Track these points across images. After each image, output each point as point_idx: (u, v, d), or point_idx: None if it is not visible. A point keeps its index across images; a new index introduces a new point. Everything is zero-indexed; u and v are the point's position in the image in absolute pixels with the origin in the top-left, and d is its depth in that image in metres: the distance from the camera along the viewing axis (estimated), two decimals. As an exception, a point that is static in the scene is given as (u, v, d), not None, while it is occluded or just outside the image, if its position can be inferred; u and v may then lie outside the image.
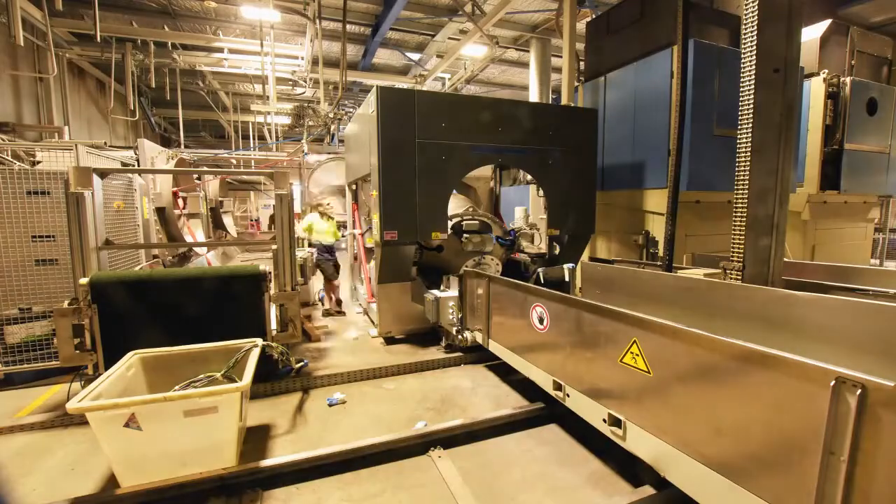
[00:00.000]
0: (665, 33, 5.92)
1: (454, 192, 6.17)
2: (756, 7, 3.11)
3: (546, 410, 3.62)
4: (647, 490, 2.62)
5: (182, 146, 14.40)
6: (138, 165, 6.86)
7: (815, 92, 7.02)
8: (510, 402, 3.96)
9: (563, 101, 7.44)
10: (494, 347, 4.29)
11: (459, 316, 4.86)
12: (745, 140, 3.24)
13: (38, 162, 6.32)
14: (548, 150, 5.76)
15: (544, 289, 3.45)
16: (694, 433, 2.17)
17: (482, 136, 5.40)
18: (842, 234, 7.84)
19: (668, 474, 2.32)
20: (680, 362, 2.24)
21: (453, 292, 4.93)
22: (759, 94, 3.16)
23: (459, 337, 4.77)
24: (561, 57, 7.67)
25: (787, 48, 3.12)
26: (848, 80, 6.97)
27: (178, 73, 12.50)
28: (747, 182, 3.24)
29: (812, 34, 7.25)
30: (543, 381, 3.43)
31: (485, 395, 4.14)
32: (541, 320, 3.42)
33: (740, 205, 3.30)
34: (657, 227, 6.07)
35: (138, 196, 5.89)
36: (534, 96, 11.18)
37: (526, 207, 7.29)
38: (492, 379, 4.53)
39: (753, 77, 3.18)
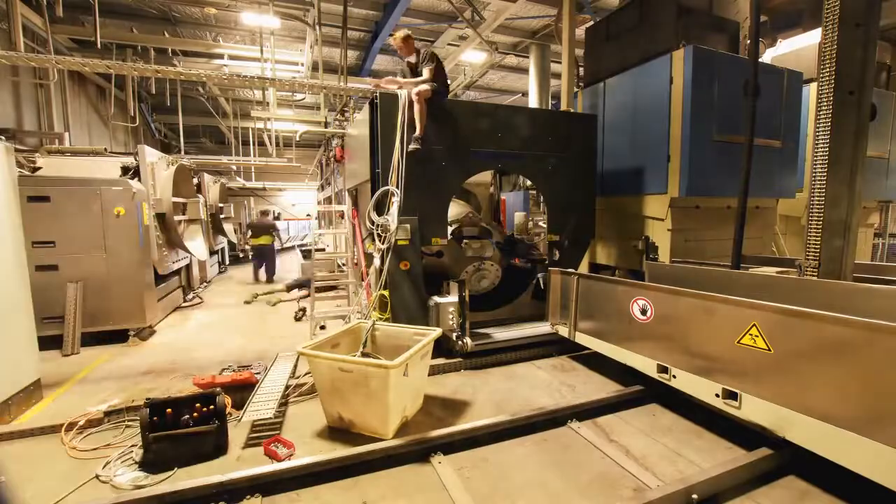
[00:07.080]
0: (664, 39, 5.95)
1: (454, 197, 6.18)
2: (836, 37, 3.38)
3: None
4: (765, 451, 2.93)
5: (182, 152, 14.40)
6: (139, 171, 6.88)
7: (815, 97, 7.03)
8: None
9: (563, 106, 7.47)
10: (582, 339, 4.60)
11: (459, 321, 4.85)
12: (822, 153, 3.52)
13: (39, 168, 6.34)
14: (547, 156, 5.76)
15: (651, 283, 3.70)
16: (817, 397, 2.53)
17: (482, 142, 5.40)
18: (841, 238, 7.83)
19: (789, 434, 2.70)
20: (805, 339, 2.62)
21: (453, 298, 4.92)
22: (836, 113, 3.45)
23: (459, 343, 4.75)
24: (560, 63, 7.70)
25: (861, 73, 3.39)
26: (846, 85, 6.99)
27: (178, 79, 12.52)
28: (824, 190, 3.51)
29: (812, 40, 7.27)
30: (644, 365, 3.72)
31: (486, 400, 4.13)
32: (643, 312, 3.71)
33: (816, 210, 3.56)
34: (657, 233, 6.07)
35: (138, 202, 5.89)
36: (533, 102, 11.22)
37: (526, 213, 7.30)
38: (492, 383, 4.52)
39: (832, 99, 3.44)
